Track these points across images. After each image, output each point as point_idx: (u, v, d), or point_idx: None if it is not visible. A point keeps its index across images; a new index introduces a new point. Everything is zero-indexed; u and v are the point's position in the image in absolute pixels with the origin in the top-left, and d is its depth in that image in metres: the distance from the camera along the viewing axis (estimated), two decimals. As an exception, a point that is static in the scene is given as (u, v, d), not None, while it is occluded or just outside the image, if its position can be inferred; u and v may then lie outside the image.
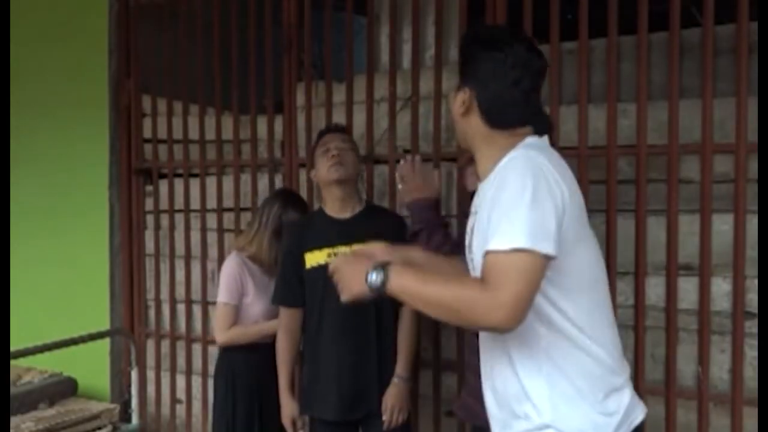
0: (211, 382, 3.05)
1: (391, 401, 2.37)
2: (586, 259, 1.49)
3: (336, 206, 2.46)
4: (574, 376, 1.46)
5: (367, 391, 2.39)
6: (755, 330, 2.39)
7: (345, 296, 1.49)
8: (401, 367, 2.40)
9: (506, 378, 1.52)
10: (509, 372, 1.51)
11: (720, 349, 2.48)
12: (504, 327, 1.33)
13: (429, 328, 2.94)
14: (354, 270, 1.47)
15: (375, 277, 1.42)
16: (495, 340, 1.52)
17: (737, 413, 2.44)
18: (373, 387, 2.39)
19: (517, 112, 1.54)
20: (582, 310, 1.47)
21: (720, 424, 2.48)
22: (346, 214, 2.45)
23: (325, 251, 2.41)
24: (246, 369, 2.71)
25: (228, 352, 2.75)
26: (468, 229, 1.60)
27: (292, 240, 2.53)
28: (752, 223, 2.38)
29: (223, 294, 2.67)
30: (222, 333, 2.67)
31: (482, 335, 1.60)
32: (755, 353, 2.38)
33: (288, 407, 2.50)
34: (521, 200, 1.34)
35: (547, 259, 1.35)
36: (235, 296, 2.67)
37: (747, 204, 2.40)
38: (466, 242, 1.61)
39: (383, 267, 1.43)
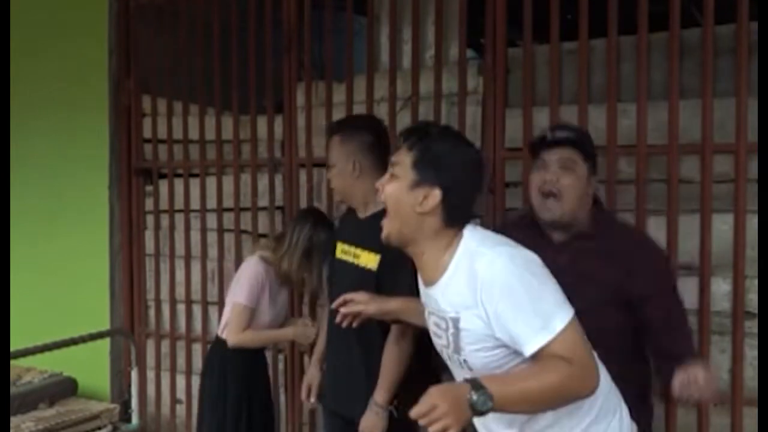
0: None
1: (363, 425, 2.23)
2: None
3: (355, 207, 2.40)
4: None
5: (358, 392, 2.29)
6: (755, 330, 2.39)
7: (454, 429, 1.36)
8: (377, 393, 2.19)
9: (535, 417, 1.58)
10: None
11: (720, 349, 2.48)
12: (596, 388, 1.44)
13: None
14: (453, 401, 1.36)
15: (481, 401, 1.35)
16: None
17: (737, 413, 2.44)
18: (362, 390, 2.27)
19: (471, 212, 1.60)
20: None
21: (720, 424, 2.48)
22: (361, 214, 2.35)
23: (341, 246, 2.38)
24: (237, 366, 2.75)
25: (220, 348, 2.78)
26: (442, 332, 1.60)
27: (336, 228, 2.59)
28: (752, 223, 2.38)
29: (245, 296, 2.69)
30: (236, 334, 2.71)
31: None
32: (755, 353, 2.38)
33: (309, 374, 2.60)
34: (532, 286, 1.44)
35: (575, 318, 1.46)
36: (255, 300, 2.71)
37: (747, 204, 2.40)
38: (444, 342, 1.61)
39: (479, 387, 1.36)
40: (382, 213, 2.28)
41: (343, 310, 1.90)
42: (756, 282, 2.33)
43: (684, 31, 2.57)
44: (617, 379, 1.71)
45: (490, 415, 1.55)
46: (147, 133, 3.68)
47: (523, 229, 2.01)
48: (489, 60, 2.81)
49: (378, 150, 2.27)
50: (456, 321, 1.53)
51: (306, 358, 3.26)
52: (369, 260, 2.25)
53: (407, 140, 1.58)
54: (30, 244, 3.86)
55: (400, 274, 2.07)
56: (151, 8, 3.60)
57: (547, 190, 1.94)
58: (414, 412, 1.36)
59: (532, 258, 1.50)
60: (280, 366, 3.33)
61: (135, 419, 3.42)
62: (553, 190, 1.93)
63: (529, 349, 1.42)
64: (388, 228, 1.60)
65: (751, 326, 2.42)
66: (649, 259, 1.98)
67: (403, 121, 2.98)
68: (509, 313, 1.43)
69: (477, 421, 1.67)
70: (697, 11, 2.87)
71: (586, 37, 2.64)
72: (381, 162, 2.23)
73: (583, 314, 1.68)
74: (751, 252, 2.38)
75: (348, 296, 1.92)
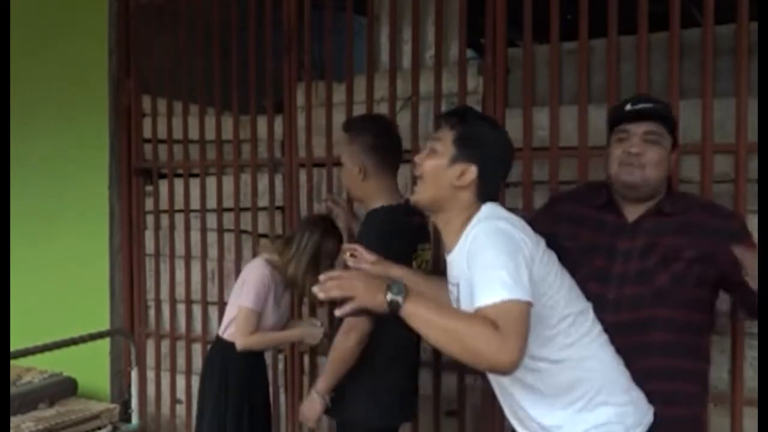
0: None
1: (302, 410, 2.32)
2: (562, 293, 1.64)
3: None
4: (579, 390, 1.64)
5: (340, 396, 2.32)
6: (755, 330, 2.39)
7: (357, 304, 1.44)
8: (320, 382, 2.28)
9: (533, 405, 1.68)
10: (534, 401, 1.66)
11: (720, 349, 2.48)
12: (508, 370, 1.41)
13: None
14: (372, 283, 1.46)
15: (395, 293, 1.42)
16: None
17: (737, 413, 2.44)
18: (341, 395, 2.30)
19: (498, 190, 1.73)
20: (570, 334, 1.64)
21: (720, 424, 2.48)
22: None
23: None
24: (238, 367, 2.76)
25: (220, 349, 2.79)
26: (454, 298, 1.71)
27: None
28: (752, 223, 2.37)
29: (251, 300, 2.69)
30: (244, 338, 2.71)
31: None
32: (755, 353, 2.38)
33: None
34: (497, 258, 1.49)
35: (529, 306, 1.45)
36: (261, 304, 2.71)
37: (747, 204, 2.40)
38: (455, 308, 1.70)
39: (400, 284, 1.45)
40: (372, 213, 2.29)
41: (349, 262, 1.96)
42: (756, 282, 2.33)
43: (684, 31, 2.57)
44: (671, 374, 1.79)
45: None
46: (147, 133, 3.68)
47: (594, 208, 1.97)
48: (489, 60, 2.81)
49: (383, 151, 2.27)
50: (457, 286, 1.66)
51: (306, 359, 3.26)
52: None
53: (449, 120, 1.69)
54: (30, 244, 3.86)
55: None
56: (151, 8, 3.61)
57: (630, 162, 1.86)
58: (324, 275, 1.46)
59: (517, 237, 1.55)
60: (280, 366, 3.33)
61: (135, 419, 3.42)
62: (636, 163, 1.85)
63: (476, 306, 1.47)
64: (420, 194, 1.69)
65: (751, 326, 2.42)
66: (730, 228, 1.88)
67: (403, 121, 2.98)
68: (475, 276, 1.50)
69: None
70: (697, 11, 2.87)
71: (586, 37, 2.64)
72: (385, 162, 2.26)
73: (667, 292, 1.80)
74: (751, 252, 2.38)
75: (360, 250, 1.96)
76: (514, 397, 1.69)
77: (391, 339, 2.20)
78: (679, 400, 1.82)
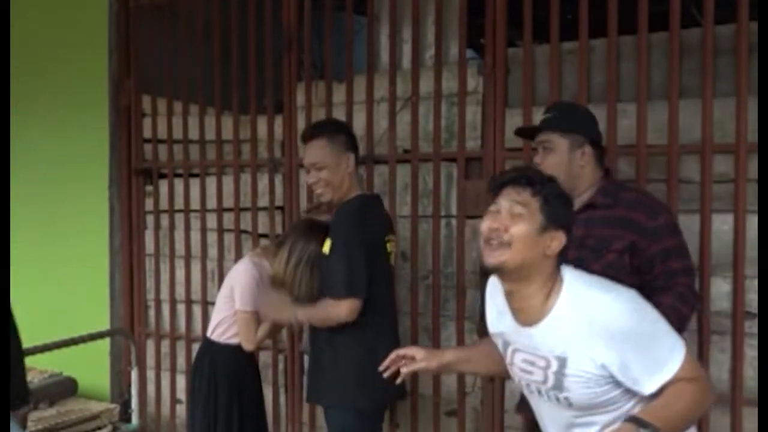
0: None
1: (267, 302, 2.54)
2: None
3: None
4: None
5: (322, 384, 2.43)
6: (755, 330, 2.39)
7: None
8: (300, 311, 2.45)
9: None
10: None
11: (720, 349, 2.48)
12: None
13: (427, 326, 2.94)
14: None
15: None
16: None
17: (737, 413, 2.44)
18: (324, 383, 2.43)
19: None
20: None
21: (720, 424, 2.48)
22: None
23: None
24: (226, 368, 2.75)
25: (209, 349, 2.79)
26: (538, 369, 1.65)
27: None
28: (752, 223, 2.38)
29: (247, 303, 2.69)
30: (251, 342, 2.72)
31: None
32: (755, 353, 2.38)
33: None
34: (652, 324, 1.58)
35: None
36: (256, 304, 2.70)
37: (747, 204, 2.40)
38: (538, 378, 1.66)
39: (645, 423, 1.49)
40: (348, 202, 2.42)
41: (404, 370, 1.91)
42: (756, 282, 2.33)
43: (684, 31, 2.57)
44: None
45: None
46: (147, 133, 3.68)
47: None
48: (489, 60, 2.81)
49: (355, 147, 2.50)
50: (562, 360, 1.60)
51: (306, 358, 3.26)
52: (327, 246, 2.42)
53: (530, 184, 1.62)
54: (30, 244, 3.86)
55: (332, 260, 2.32)
56: (151, 8, 3.61)
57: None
58: None
59: (637, 296, 1.61)
60: (281, 366, 3.33)
61: (135, 419, 3.42)
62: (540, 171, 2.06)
63: (653, 386, 1.55)
64: (509, 257, 1.59)
65: (751, 326, 2.42)
66: (651, 226, 2.05)
67: (403, 120, 2.99)
68: (633, 358, 1.54)
69: None
70: (697, 11, 2.87)
71: (586, 37, 2.64)
72: (357, 157, 2.50)
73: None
74: (751, 252, 2.38)
75: (403, 352, 1.93)
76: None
77: (372, 321, 2.35)
78: None
